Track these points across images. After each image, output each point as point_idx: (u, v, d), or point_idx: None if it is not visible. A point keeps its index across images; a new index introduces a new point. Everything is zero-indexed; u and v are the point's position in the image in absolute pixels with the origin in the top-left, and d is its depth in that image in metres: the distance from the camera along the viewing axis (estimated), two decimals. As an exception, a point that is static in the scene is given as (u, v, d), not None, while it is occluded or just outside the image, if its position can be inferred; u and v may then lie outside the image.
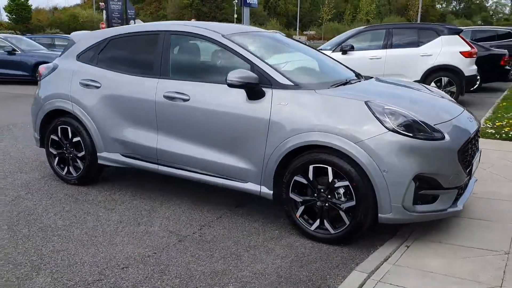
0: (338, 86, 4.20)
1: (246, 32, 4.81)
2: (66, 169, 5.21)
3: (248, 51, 4.20)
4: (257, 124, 3.95)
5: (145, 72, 4.67)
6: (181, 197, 4.82)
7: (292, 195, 3.89)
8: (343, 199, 3.70)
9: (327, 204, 3.76)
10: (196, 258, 3.58)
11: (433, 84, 10.27)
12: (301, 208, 3.88)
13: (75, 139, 5.06)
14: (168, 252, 3.68)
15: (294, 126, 3.78)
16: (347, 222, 3.69)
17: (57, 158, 5.27)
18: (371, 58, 10.66)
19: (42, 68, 5.41)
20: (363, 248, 3.76)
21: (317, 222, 3.83)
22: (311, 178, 3.78)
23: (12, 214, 4.37)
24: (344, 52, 10.68)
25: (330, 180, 3.69)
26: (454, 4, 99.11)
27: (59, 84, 5.15)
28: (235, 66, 4.19)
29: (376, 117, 3.56)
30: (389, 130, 3.50)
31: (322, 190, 3.75)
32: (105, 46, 5.00)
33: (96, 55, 5.03)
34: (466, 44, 10.54)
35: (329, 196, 3.74)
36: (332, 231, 3.77)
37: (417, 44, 10.60)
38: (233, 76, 3.88)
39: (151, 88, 4.50)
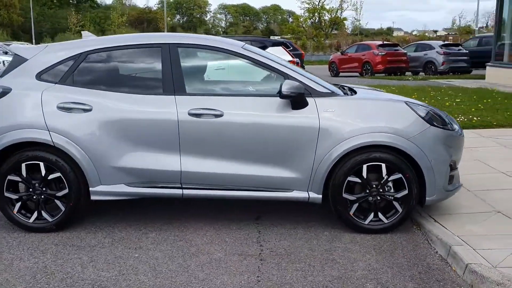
0: (351, 92, 4.60)
1: (245, 41, 4.76)
2: (34, 215, 4.21)
3: (278, 62, 4.26)
4: (306, 133, 4.07)
5: (151, 89, 4.21)
6: (205, 219, 4.48)
7: (345, 195, 4.14)
8: (393, 190, 4.15)
9: (379, 198, 4.15)
10: (301, 271, 3.54)
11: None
12: (355, 206, 4.17)
13: (51, 176, 4.15)
14: (266, 271, 3.53)
15: (345, 131, 4.05)
16: (400, 210, 4.16)
17: (18, 204, 4.21)
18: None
19: (-26, 94, 4.21)
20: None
21: (371, 216, 4.18)
22: (365, 177, 4.11)
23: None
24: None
25: (384, 175, 4.10)
26: (178, 17, 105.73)
27: (23, 111, 4.14)
28: (264, 78, 4.20)
29: (418, 114, 4.14)
30: (431, 125, 4.12)
31: (374, 185, 4.12)
32: (81, 62, 4.24)
33: (69, 73, 4.22)
34: (289, 55, 11.98)
35: (381, 190, 4.13)
36: (386, 221, 4.18)
37: None
38: (286, 87, 3.93)
39: (169, 106, 4.09)
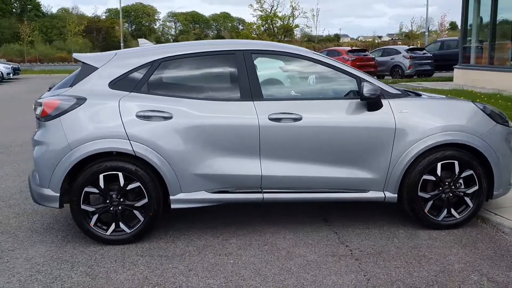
0: (415, 94, 4.75)
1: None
2: (112, 227, 4.10)
3: (348, 66, 4.36)
4: (382, 134, 4.19)
5: (228, 95, 4.21)
6: (275, 222, 4.49)
7: (420, 194, 4.28)
8: (463, 186, 4.33)
9: (451, 194, 4.31)
10: (403, 268, 3.64)
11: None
12: (430, 203, 4.31)
13: (130, 186, 4.06)
14: (369, 270, 3.61)
15: (421, 130, 4.20)
16: (471, 205, 4.34)
17: (95, 217, 4.08)
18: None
19: (47, 106, 4.05)
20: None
21: (444, 212, 4.34)
22: (439, 174, 4.26)
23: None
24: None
25: (456, 172, 4.27)
26: (126, 25, 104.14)
27: (101, 120, 4.03)
28: (336, 81, 4.30)
29: (485, 113, 4.35)
30: (496, 122, 4.34)
31: (447, 182, 4.28)
32: (155, 70, 4.18)
33: (144, 80, 4.15)
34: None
35: (453, 187, 4.30)
36: (458, 216, 4.35)
37: None
38: (367, 90, 4.04)
39: (250, 112, 4.10)
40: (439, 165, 4.25)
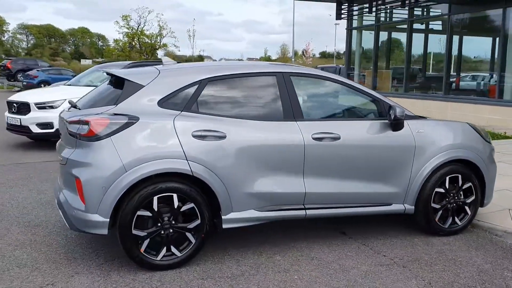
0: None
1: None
2: (163, 251, 3.90)
3: (368, 89, 4.77)
4: (405, 152, 4.64)
5: (272, 116, 4.31)
6: (298, 238, 4.63)
7: (433, 205, 4.80)
8: (462, 197, 4.95)
9: (454, 204, 4.91)
10: (450, 271, 4.08)
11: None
12: (439, 213, 4.85)
13: (184, 208, 3.93)
14: (426, 276, 3.98)
15: (434, 148, 4.73)
16: (469, 213, 4.98)
17: (146, 241, 3.86)
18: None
19: (95, 124, 3.75)
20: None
21: (450, 220, 4.91)
22: (447, 187, 4.83)
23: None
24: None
25: (460, 184, 4.88)
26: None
27: (157, 140, 3.84)
28: (362, 103, 4.69)
29: (478, 132, 5.05)
30: (486, 141, 5.07)
31: (452, 194, 4.87)
32: (203, 89, 4.13)
33: (193, 100, 4.07)
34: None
35: (456, 197, 4.90)
36: (459, 223, 4.95)
37: None
38: (398, 112, 4.46)
39: (295, 132, 4.26)
40: (447, 178, 4.81)
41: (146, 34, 61.30)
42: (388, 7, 16.47)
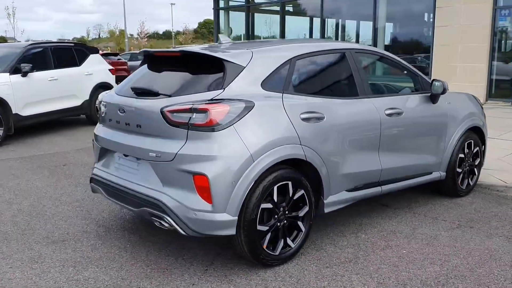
0: None
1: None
2: (280, 244, 3.64)
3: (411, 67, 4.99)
4: (443, 121, 5.03)
5: (350, 93, 4.27)
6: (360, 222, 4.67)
7: (458, 169, 5.27)
8: (471, 160, 5.54)
9: (468, 167, 5.46)
10: (481, 239, 4.56)
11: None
12: (461, 176, 5.35)
13: (296, 195, 3.69)
14: (461, 246, 4.40)
15: (460, 117, 5.19)
16: (476, 174, 5.59)
17: (268, 236, 3.55)
18: (50, 80, 9.40)
19: (216, 113, 3.27)
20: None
21: (466, 182, 5.44)
22: (466, 152, 5.35)
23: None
24: (25, 74, 8.81)
25: (472, 149, 5.44)
26: None
27: (273, 125, 3.51)
28: (407, 79, 4.91)
29: (477, 100, 5.66)
30: (481, 107, 5.72)
31: (467, 158, 5.41)
32: (293, 68, 3.86)
33: (288, 80, 3.79)
34: (107, 63, 11.25)
35: (469, 161, 5.46)
36: (471, 183, 5.53)
37: (77, 63, 10.28)
38: (446, 86, 4.78)
39: (372, 108, 4.28)
40: (466, 144, 5.32)
41: None
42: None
